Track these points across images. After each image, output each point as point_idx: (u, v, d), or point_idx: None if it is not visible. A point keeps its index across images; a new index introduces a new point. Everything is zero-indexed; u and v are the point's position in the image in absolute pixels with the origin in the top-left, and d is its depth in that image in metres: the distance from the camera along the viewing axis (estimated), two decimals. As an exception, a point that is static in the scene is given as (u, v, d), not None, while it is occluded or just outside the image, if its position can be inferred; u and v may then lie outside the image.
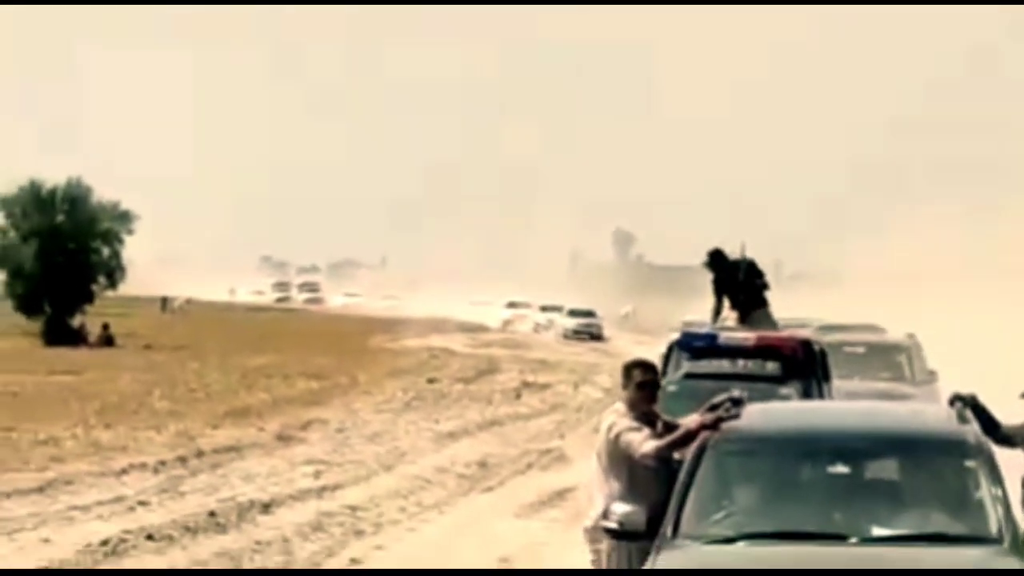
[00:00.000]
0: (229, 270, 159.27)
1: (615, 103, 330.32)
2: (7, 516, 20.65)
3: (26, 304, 64.59)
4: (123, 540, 19.29)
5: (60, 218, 63.98)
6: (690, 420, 11.85)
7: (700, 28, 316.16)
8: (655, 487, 11.62)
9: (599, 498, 11.99)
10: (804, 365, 19.87)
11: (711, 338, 20.71)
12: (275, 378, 45.33)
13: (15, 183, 66.10)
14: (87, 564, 18.11)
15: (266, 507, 22.32)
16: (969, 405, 11.89)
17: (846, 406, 16.08)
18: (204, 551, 19.34)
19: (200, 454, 27.60)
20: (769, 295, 22.48)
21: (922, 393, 26.66)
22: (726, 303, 22.23)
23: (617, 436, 11.92)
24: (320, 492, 24.23)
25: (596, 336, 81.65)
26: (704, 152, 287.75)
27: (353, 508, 22.90)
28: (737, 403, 11.84)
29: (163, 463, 26.18)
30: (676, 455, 11.81)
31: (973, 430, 11.58)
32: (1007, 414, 11.89)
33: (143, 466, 25.88)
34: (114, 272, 65.68)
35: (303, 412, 35.57)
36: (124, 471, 25.37)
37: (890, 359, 29.34)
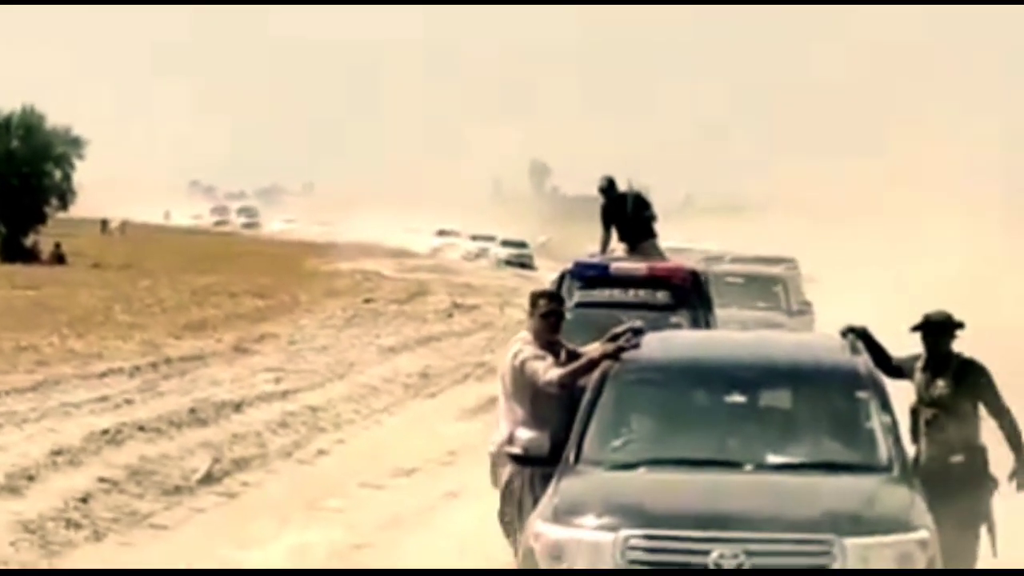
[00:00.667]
0: (160, 194, 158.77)
1: (536, 40, 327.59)
2: (10, 411, 21.70)
3: None
4: (119, 431, 20.56)
5: (15, 143, 64.54)
6: (592, 349, 11.77)
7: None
8: (558, 414, 11.53)
9: (503, 424, 11.87)
10: (693, 294, 19.98)
11: (603, 268, 20.60)
12: (222, 295, 46.28)
13: None
14: (92, 450, 19.20)
15: (237, 407, 23.76)
16: (860, 337, 11.94)
17: (742, 336, 16.00)
18: (190, 441, 20.69)
19: (168, 361, 28.93)
20: (658, 226, 22.19)
21: (796, 323, 27.39)
22: (614, 234, 22.02)
23: (522, 363, 11.74)
24: (282, 395, 25.66)
25: (527, 265, 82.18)
26: (620, 88, 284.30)
27: (313, 409, 24.39)
28: (637, 333, 11.80)
29: (137, 368, 27.43)
30: (580, 383, 11.70)
31: (864, 361, 11.61)
32: (895, 346, 11.97)
33: (120, 370, 27.08)
34: (65, 195, 66.43)
35: (254, 327, 36.86)
36: (104, 374, 26.56)
37: (767, 290, 29.51)
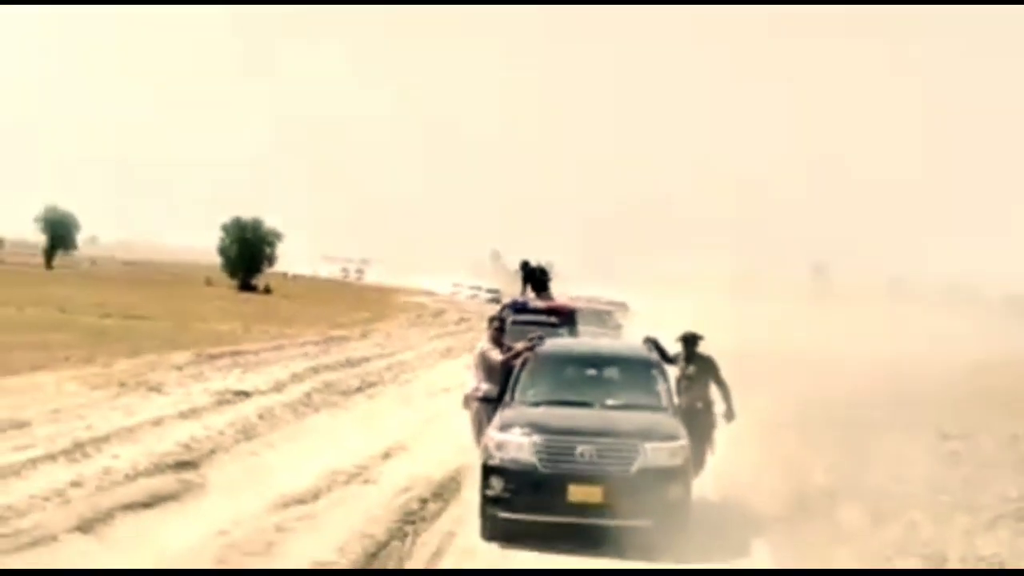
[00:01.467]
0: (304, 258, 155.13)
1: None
2: (265, 360, 22.68)
3: (231, 273, 64.73)
4: (316, 368, 21.57)
5: (248, 235, 64.45)
6: (520, 346, 11.31)
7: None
8: (501, 378, 11.03)
9: (472, 382, 11.40)
10: (568, 319, 18.92)
11: (524, 304, 19.59)
12: (351, 312, 46.69)
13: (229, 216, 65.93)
14: (307, 376, 20.20)
15: (367, 360, 24.93)
16: (653, 343, 11.53)
17: (596, 340, 15.64)
18: (348, 374, 21.59)
19: (331, 339, 29.57)
20: (551, 284, 21.14)
21: (614, 334, 25.88)
22: (528, 287, 20.97)
23: (483, 352, 11.35)
24: (387, 355, 26.80)
25: (497, 301, 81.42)
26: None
27: (401, 363, 25.53)
28: (541, 339, 11.52)
29: (317, 342, 28.08)
30: (512, 363, 11.10)
31: (655, 355, 11.23)
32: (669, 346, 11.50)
33: (311, 342, 27.65)
34: (272, 259, 66.04)
35: (368, 326, 37.65)
36: (304, 344, 27.09)
37: (601, 317, 28.26)
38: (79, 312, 32.11)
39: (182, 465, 11.77)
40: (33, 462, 11.03)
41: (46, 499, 9.72)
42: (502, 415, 10.13)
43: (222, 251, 64.83)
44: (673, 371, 11.19)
